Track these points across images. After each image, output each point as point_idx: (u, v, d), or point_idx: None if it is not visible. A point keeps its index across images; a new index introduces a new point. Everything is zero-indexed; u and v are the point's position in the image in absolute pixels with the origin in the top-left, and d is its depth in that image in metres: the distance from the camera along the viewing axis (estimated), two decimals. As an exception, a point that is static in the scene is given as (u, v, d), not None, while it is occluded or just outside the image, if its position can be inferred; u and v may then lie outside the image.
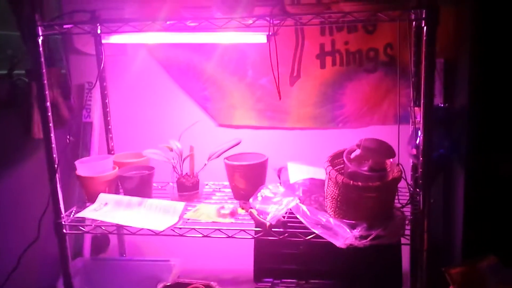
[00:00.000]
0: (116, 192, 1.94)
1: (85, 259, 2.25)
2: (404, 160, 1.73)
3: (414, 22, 1.74)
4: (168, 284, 1.90)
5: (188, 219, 1.73)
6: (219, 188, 2.03)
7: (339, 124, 2.15)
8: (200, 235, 1.68)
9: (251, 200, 1.74)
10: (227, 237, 1.67)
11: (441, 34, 1.44)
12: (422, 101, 1.47)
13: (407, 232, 1.60)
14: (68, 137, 2.08)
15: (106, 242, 2.37)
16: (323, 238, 1.54)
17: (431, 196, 1.53)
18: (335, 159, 1.67)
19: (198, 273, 2.16)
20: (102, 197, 1.86)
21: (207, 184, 2.06)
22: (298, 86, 2.14)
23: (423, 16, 1.44)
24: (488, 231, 1.55)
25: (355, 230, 1.51)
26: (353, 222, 1.53)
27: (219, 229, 1.67)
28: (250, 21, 1.63)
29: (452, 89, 1.83)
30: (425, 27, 1.44)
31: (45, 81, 1.70)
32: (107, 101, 2.14)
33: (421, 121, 1.49)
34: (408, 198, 1.73)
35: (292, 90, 2.14)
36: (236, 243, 1.73)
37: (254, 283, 2.05)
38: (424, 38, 1.44)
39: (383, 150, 1.56)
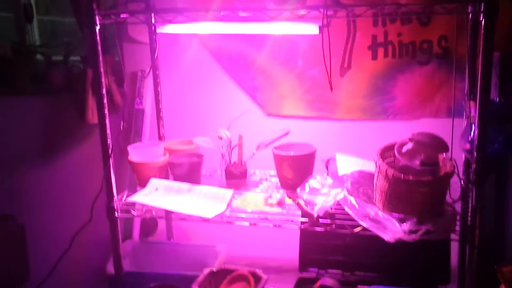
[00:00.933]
0: (166, 178, 1.98)
1: (134, 242, 2.32)
2: (457, 155, 1.71)
3: (471, 15, 1.69)
4: (214, 269, 1.93)
5: (236, 207, 1.76)
6: (267, 177, 2.05)
7: (390, 117, 2.13)
8: (247, 223, 1.70)
9: (298, 190, 1.74)
10: (273, 226, 1.68)
11: (498, 28, 1.40)
12: (478, 95, 1.44)
13: (457, 228, 1.58)
14: (121, 123, 2.14)
15: (154, 226, 2.43)
16: (371, 231, 1.53)
17: (483, 192, 1.50)
18: (386, 152, 1.65)
19: (243, 260, 2.19)
20: (153, 182, 1.90)
21: (254, 173, 2.07)
22: (348, 77, 2.12)
23: (482, 9, 1.40)
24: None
25: (404, 224, 1.49)
26: (403, 216, 1.52)
27: (266, 218, 1.69)
28: (303, 12, 1.62)
29: (508, 84, 1.78)
30: (483, 21, 1.40)
31: (102, 69, 1.74)
32: (159, 89, 2.19)
33: (476, 116, 1.46)
34: (459, 193, 1.70)
35: (342, 82, 2.13)
36: (282, 232, 1.74)
37: (299, 272, 2.06)
38: (482, 31, 1.40)
39: (436, 144, 1.54)
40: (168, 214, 1.84)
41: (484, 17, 1.39)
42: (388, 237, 1.49)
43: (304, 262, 2.07)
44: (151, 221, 2.41)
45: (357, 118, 2.17)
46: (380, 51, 2.07)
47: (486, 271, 1.51)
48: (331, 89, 1.72)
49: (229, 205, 1.76)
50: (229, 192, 1.80)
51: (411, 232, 1.47)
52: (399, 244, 1.50)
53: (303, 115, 2.23)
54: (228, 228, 1.81)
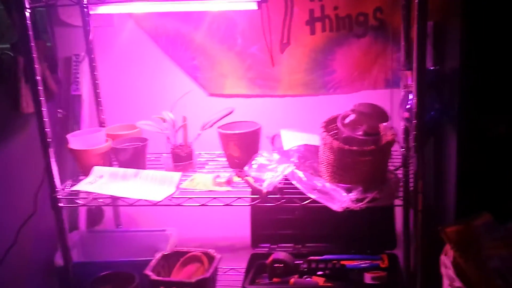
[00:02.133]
0: (110, 164, 1.94)
1: (82, 232, 2.26)
2: (396, 124, 1.76)
3: (404, -15, 1.74)
4: (166, 253, 1.92)
5: (185, 189, 1.75)
6: (213, 158, 2.04)
7: (330, 90, 2.16)
8: (198, 204, 1.70)
9: (246, 168, 1.75)
10: (224, 205, 1.69)
11: (430, -3, 1.45)
12: (414, 64, 1.49)
13: (401, 194, 1.65)
14: (58, 111, 2.06)
15: (101, 215, 2.38)
16: (320, 203, 1.57)
17: (424, 158, 1.56)
18: (329, 125, 1.69)
19: (195, 241, 2.18)
20: (97, 169, 1.86)
21: (201, 154, 2.06)
22: (288, 53, 2.13)
23: (414, -21, 1.44)
24: (480, 191, 1.58)
25: (351, 193, 1.54)
26: (349, 186, 1.56)
27: (215, 198, 1.69)
28: (241, -12, 1.61)
29: (442, 51, 1.84)
30: (416, -10, 1.43)
31: (34, 55, 1.67)
32: (96, 73, 2.12)
33: (414, 84, 1.51)
34: (401, 160, 1.76)
35: (283, 58, 2.13)
36: (233, 210, 1.75)
37: (252, 249, 2.08)
38: (416, 1, 1.43)
39: (377, 114, 1.59)
40: (115, 201, 1.80)
41: (418, -13, 1.43)
42: (336, 207, 1.53)
43: (256, 238, 2.09)
44: (97, 210, 2.36)
45: (299, 94, 2.19)
46: (318, 26, 2.08)
47: (429, 233, 1.58)
48: (273, 64, 1.72)
49: (177, 187, 1.75)
50: (177, 174, 1.79)
51: (357, 200, 1.52)
52: (347, 214, 1.54)
53: (246, 93, 2.22)
54: (177, 211, 1.80)
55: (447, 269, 1.31)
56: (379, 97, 2.04)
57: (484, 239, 1.35)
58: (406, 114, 1.71)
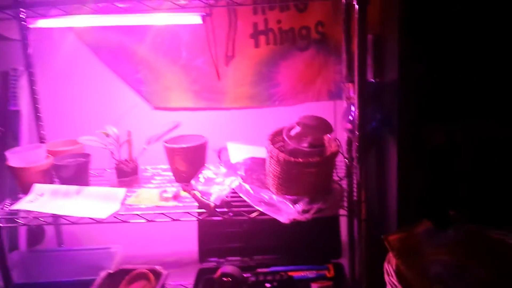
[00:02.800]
0: (51, 182, 1.87)
1: (22, 252, 2.18)
2: (340, 135, 1.80)
3: (344, 0, 1.78)
4: (111, 271, 1.87)
5: (130, 205, 1.71)
6: (159, 172, 2.02)
7: (275, 102, 2.19)
8: (144, 220, 1.67)
9: (193, 182, 1.74)
10: (171, 221, 1.66)
11: (370, 12, 1.49)
12: (356, 77, 1.53)
13: (346, 203, 1.68)
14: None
15: (42, 234, 2.30)
16: (267, 215, 1.57)
17: (366, 168, 1.60)
18: (275, 137, 1.70)
19: (140, 258, 2.14)
20: (37, 187, 1.79)
21: (146, 169, 2.03)
22: (233, 66, 2.14)
23: (355, -5, 1.48)
24: (420, 199, 1.63)
25: (297, 205, 1.55)
26: (295, 197, 1.57)
27: (162, 213, 1.67)
28: (184, 1, 1.61)
29: (381, 64, 1.90)
30: (356, 5, 1.48)
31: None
32: (35, 88, 2.06)
33: (356, 96, 1.54)
34: (345, 171, 1.80)
35: (228, 70, 2.14)
36: (179, 225, 1.73)
37: (199, 264, 2.06)
38: (356, 16, 1.48)
39: (321, 126, 1.61)
40: (58, 219, 1.74)
41: (358, 2, 1.47)
42: (283, 219, 1.53)
43: (204, 252, 2.07)
44: (38, 229, 2.27)
45: (245, 106, 2.20)
46: (262, 39, 2.11)
47: (373, 242, 1.61)
48: (219, 77, 1.73)
49: (123, 203, 1.71)
50: (121, 190, 1.75)
51: (304, 211, 1.53)
52: (293, 225, 1.55)
53: (192, 107, 2.22)
54: (122, 228, 1.76)
55: (390, 277, 1.34)
56: (323, 108, 2.08)
57: (425, 246, 1.39)
58: (349, 126, 1.75)
